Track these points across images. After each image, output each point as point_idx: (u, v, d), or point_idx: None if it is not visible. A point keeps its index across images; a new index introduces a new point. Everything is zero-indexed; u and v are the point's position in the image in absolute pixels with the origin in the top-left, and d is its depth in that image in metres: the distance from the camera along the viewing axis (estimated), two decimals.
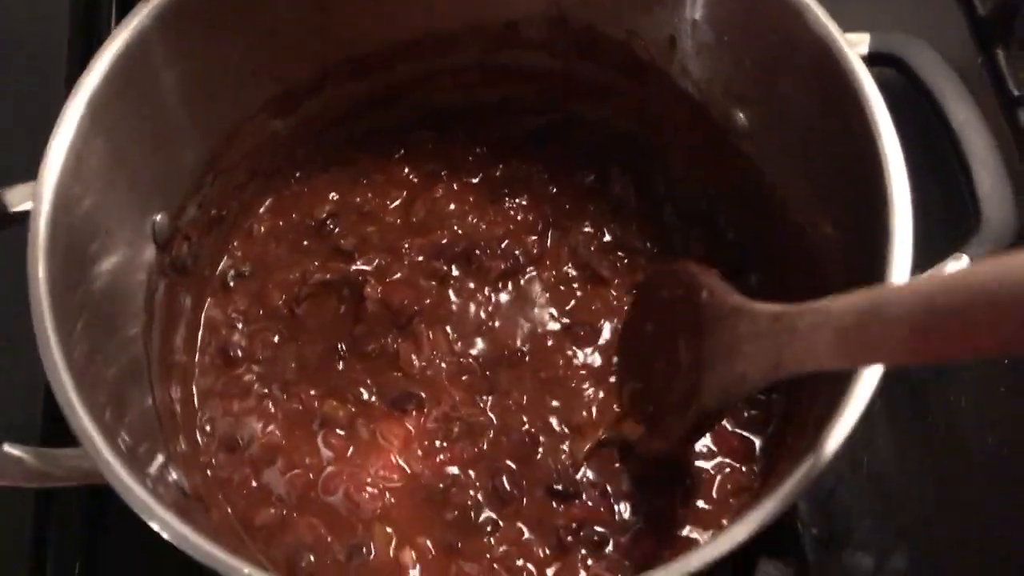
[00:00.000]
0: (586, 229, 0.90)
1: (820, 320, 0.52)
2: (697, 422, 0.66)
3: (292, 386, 0.84)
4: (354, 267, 0.88)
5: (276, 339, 0.86)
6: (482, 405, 0.82)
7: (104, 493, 0.83)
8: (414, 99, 0.93)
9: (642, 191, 0.92)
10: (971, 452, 0.88)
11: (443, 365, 0.84)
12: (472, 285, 0.87)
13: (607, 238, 0.90)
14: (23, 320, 0.70)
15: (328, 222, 0.90)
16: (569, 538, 0.76)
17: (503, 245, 0.89)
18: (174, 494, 0.68)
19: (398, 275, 0.88)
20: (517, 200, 0.92)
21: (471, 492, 0.78)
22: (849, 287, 0.66)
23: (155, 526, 0.57)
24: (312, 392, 0.83)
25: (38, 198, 0.63)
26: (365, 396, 0.83)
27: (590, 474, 0.79)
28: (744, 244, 0.88)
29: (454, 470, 0.79)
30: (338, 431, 0.81)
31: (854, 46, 0.71)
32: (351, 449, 0.80)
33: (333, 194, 0.93)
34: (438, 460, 0.80)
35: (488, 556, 0.76)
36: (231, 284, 0.89)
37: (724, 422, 0.80)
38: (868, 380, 0.59)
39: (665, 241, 0.89)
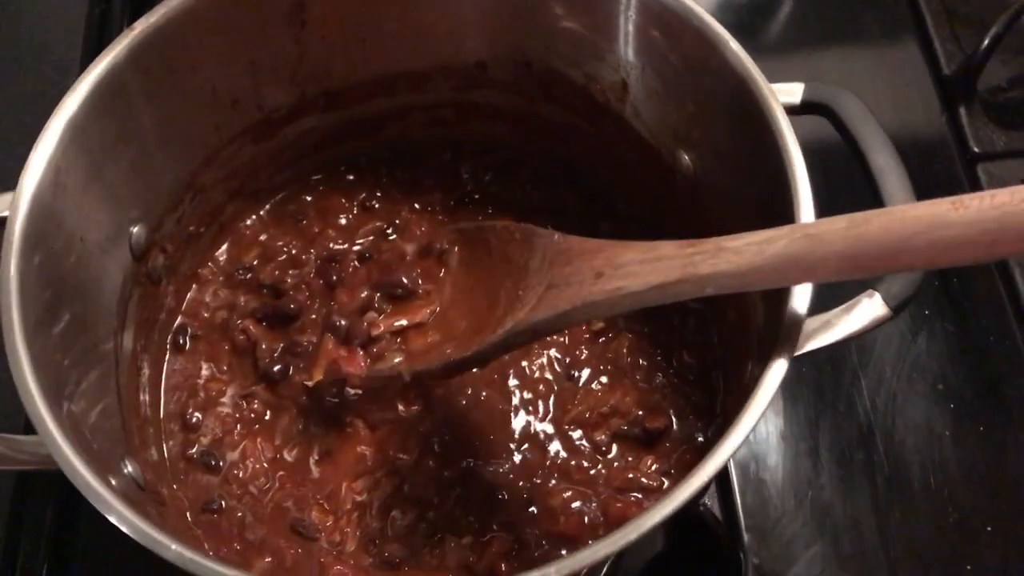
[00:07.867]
0: None
1: (756, 241, 0.60)
2: (512, 332, 0.70)
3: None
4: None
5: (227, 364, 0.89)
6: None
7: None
8: (391, 131, 0.97)
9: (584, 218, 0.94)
10: (914, 492, 0.91)
11: None
12: None
13: None
14: None
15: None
16: None
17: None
18: (129, 485, 0.71)
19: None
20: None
21: None
22: (768, 313, 0.70)
23: (111, 517, 0.60)
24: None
25: (15, 206, 0.67)
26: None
27: None
28: None
29: None
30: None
31: (789, 94, 0.74)
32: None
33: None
34: None
35: None
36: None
37: None
38: (776, 371, 0.63)
39: None
